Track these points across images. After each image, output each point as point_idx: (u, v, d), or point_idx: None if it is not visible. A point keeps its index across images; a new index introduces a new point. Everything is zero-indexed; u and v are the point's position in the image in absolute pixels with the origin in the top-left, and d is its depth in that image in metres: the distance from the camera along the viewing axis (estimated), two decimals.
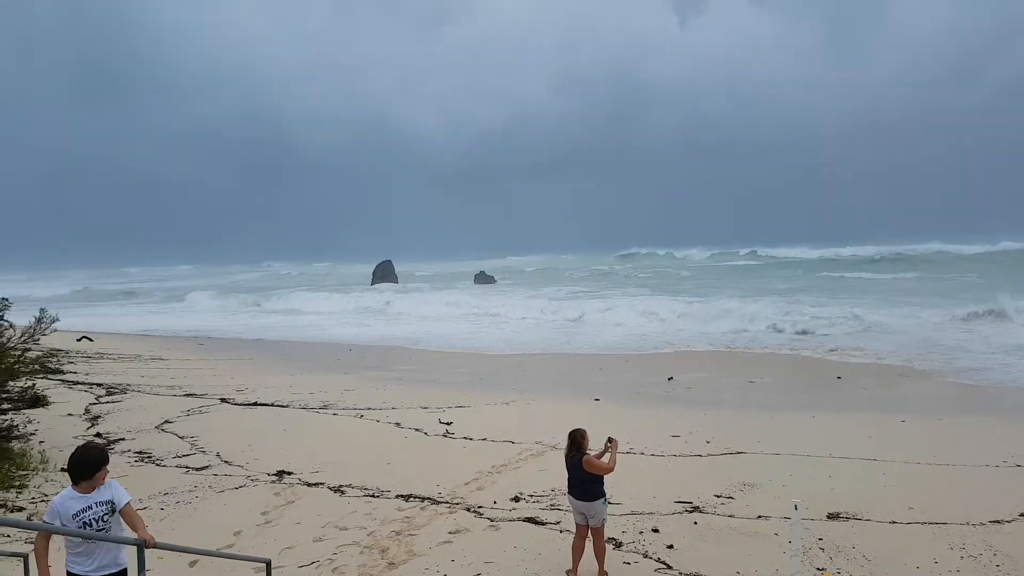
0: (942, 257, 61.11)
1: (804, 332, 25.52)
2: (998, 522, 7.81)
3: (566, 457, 6.75)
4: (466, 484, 9.61)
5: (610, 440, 6.82)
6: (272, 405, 15.18)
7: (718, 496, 8.94)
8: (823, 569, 6.73)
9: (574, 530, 6.85)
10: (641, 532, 7.75)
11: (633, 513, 8.35)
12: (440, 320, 36.27)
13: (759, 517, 8.16)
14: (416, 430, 12.86)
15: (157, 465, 10.64)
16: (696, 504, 8.64)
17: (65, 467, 4.77)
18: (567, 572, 6.76)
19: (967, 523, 7.75)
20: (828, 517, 8.06)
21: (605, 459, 6.69)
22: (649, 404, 15.22)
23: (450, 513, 8.45)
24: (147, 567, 4.54)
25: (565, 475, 6.77)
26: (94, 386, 17.16)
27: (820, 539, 7.44)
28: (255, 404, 15.28)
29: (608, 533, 7.16)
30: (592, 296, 44.85)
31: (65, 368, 19.80)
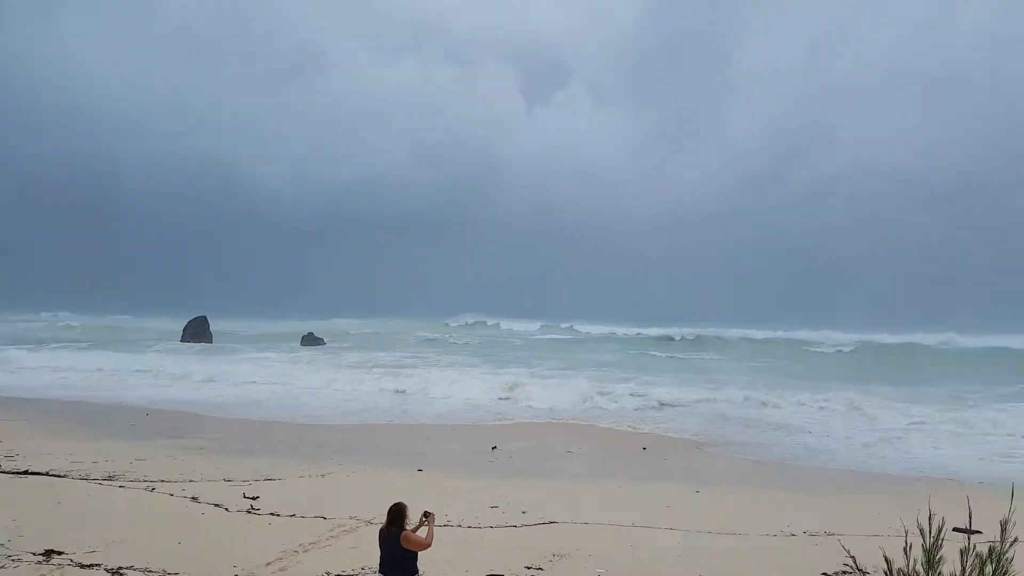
0: (745, 342, 67.47)
1: (620, 406, 26.90)
2: None
3: (381, 532, 6.60)
4: (267, 564, 9.07)
5: (426, 514, 6.75)
6: (46, 474, 13.56)
7: (528, 568, 9.09)
8: None
9: None
10: None
11: None
12: (256, 384, 34.32)
13: None
14: (216, 505, 11.98)
15: None
16: None
17: None
18: None
19: None
20: None
21: (422, 533, 6.62)
22: (472, 474, 15.30)
23: None
24: None
25: (378, 552, 6.61)
26: None
27: None
28: (25, 473, 13.58)
29: None
30: (425, 363, 44.70)
31: None
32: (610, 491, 13.80)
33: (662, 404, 27.01)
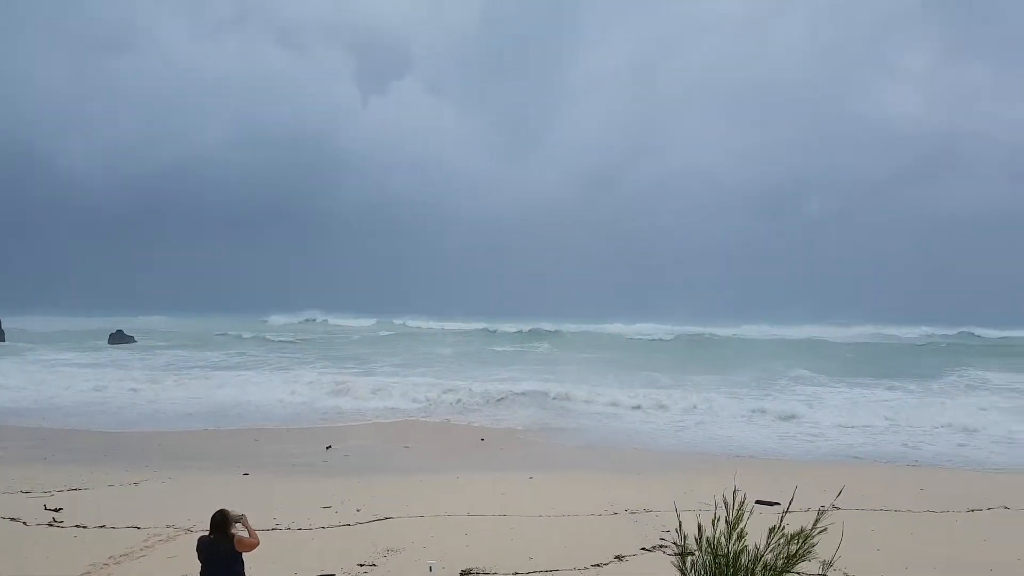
0: (577, 335, 70.49)
1: (459, 400, 27.12)
2: (598, 565, 9.06)
3: (202, 542, 6.21)
4: None
5: (237, 518, 6.44)
6: None
7: (361, 565, 8.98)
8: None
9: None
10: None
11: None
12: (57, 387, 31.04)
13: None
14: (12, 519, 10.76)
15: None
16: None
17: None
18: None
19: (574, 568, 8.87)
20: (461, 574, 8.59)
21: (244, 534, 6.33)
22: (304, 475, 14.83)
23: None
24: None
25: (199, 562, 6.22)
26: None
27: None
28: None
29: None
30: (251, 363, 42.53)
31: None
32: (447, 483, 13.93)
33: (500, 397, 27.57)
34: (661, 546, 9.56)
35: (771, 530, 3.20)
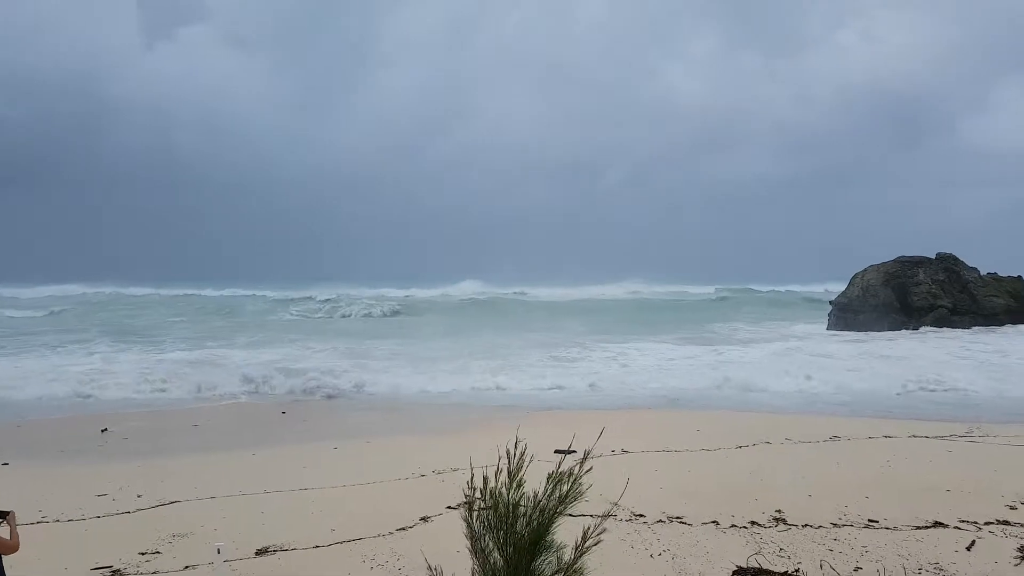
0: (381, 299, 69.63)
1: (250, 380, 25.69)
2: (403, 529, 9.02)
3: None
4: None
5: (3, 514, 5.64)
6: None
7: (143, 553, 8.25)
8: None
9: None
10: None
11: None
12: None
13: (186, 568, 7.80)
14: None
15: None
16: (117, 567, 7.82)
17: None
18: None
19: (378, 535, 8.76)
20: (256, 553, 8.16)
21: (4, 534, 5.53)
22: (75, 462, 13.33)
23: None
24: None
25: None
26: None
27: None
28: None
29: None
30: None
31: None
32: (243, 461, 13.18)
33: (300, 368, 26.55)
34: (467, 502, 9.72)
35: (549, 475, 3.26)
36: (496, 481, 3.41)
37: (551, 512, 3.37)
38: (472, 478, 3.68)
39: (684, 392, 21.21)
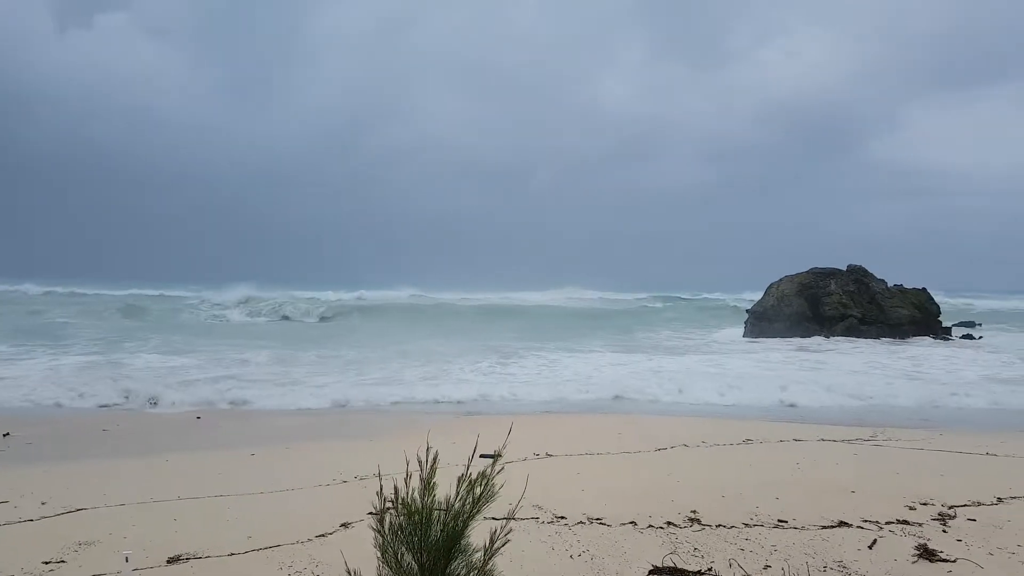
0: (303, 302, 68.16)
1: (161, 384, 24.89)
2: (322, 535, 8.89)
3: None
4: None
5: None
6: None
7: (47, 563, 7.88)
8: None
9: None
10: None
11: None
12: None
13: None
14: None
15: None
16: None
17: None
18: None
19: (296, 542, 8.60)
20: (168, 562, 7.90)
21: None
22: None
23: None
24: None
25: None
26: None
27: None
28: None
29: None
30: None
31: None
32: (154, 467, 12.71)
33: (222, 372, 25.83)
34: (389, 508, 9.66)
35: (459, 479, 3.32)
36: (407, 487, 3.45)
37: (466, 515, 3.42)
38: (380, 488, 3.70)
39: (609, 398, 21.61)
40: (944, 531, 8.92)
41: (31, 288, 76.98)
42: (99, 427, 16.82)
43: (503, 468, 3.49)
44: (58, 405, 19.70)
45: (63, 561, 7.96)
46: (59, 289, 76.00)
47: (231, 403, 20.25)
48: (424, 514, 3.25)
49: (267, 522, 9.37)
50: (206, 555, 8.12)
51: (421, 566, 3.52)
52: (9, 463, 13.06)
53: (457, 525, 3.40)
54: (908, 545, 8.36)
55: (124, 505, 10.12)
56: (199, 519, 9.51)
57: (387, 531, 3.33)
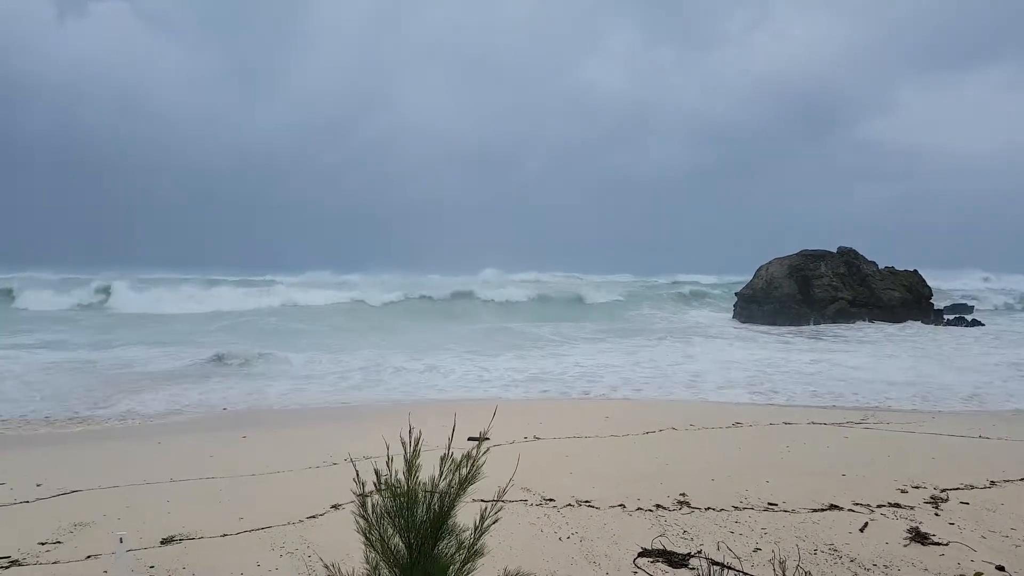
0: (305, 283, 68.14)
1: (171, 361, 24.94)
2: (314, 517, 8.99)
3: None
4: None
5: None
6: None
7: (43, 543, 7.97)
8: None
9: None
10: None
11: None
12: None
13: (88, 557, 7.57)
14: None
15: None
16: (16, 557, 7.53)
17: None
18: None
19: (288, 523, 8.70)
20: (162, 542, 8.00)
21: None
22: None
23: None
24: None
25: None
26: None
27: (152, 566, 7.32)
28: None
29: None
30: None
31: None
32: (147, 449, 12.80)
33: (212, 355, 25.89)
34: (361, 494, 9.75)
35: (441, 459, 3.40)
36: (389, 469, 3.52)
37: (452, 495, 3.50)
38: (357, 473, 3.76)
39: (599, 381, 21.77)
40: (936, 514, 8.92)
41: (47, 275, 76.73)
42: (93, 407, 16.90)
43: (488, 450, 3.56)
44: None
45: (59, 542, 8.05)
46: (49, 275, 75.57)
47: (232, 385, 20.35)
48: (409, 496, 3.33)
49: (259, 503, 9.47)
50: (199, 536, 8.22)
51: (409, 546, 3.60)
52: (5, 446, 13.13)
53: (444, 505, 3.48)
54: (900, 528, 8.36)
55: (117, 487, 10.21)
56: (191, 500, 9.60)
57: (370, 513, 3.40)
